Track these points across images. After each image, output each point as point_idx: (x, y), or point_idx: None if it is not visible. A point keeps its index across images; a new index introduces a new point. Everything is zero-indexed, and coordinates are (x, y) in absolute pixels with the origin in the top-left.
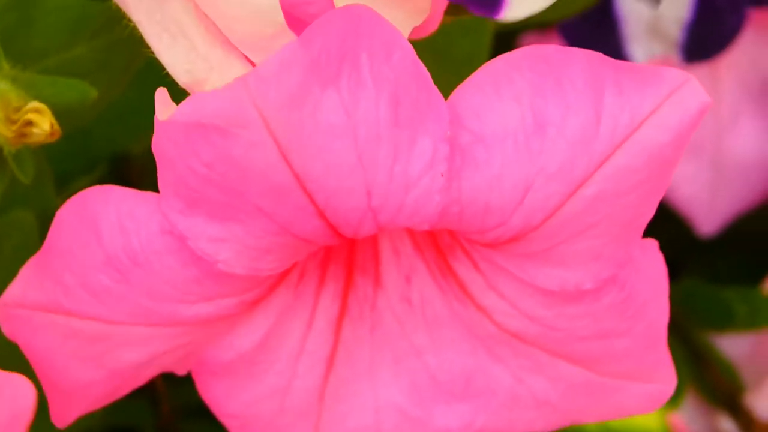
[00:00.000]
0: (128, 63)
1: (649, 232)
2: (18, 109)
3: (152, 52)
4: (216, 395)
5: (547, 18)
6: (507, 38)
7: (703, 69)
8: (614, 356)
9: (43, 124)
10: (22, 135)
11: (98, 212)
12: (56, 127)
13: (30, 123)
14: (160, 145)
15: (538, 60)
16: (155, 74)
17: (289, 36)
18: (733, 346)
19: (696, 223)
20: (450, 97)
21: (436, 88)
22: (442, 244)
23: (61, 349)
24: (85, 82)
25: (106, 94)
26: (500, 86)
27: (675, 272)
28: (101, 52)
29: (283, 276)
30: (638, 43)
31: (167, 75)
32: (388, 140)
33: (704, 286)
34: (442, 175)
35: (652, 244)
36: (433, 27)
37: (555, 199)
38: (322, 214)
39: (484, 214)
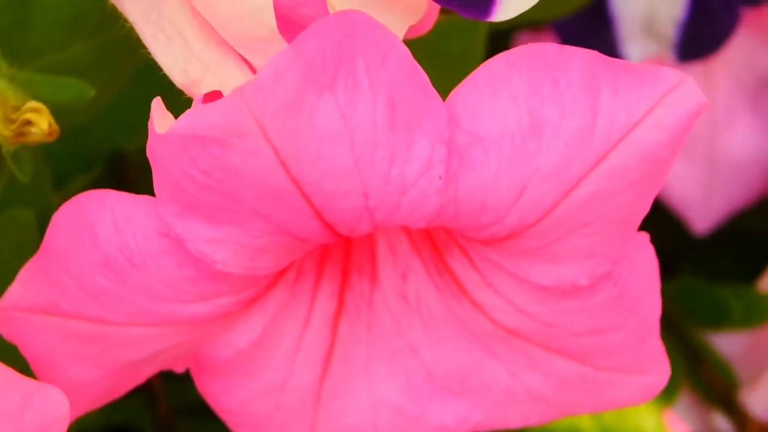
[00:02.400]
0: (126, 62)
1: (643, 231)
2: (16, 109)
3: (149, 53)
4: (214, 392)
5: (541, 17)
6: (501, 37)
7: (697, 68)
8: (609, 350)
9: (42, 123)
10: (21, 134)
11: (94, 215)
12: (54, 126)
13: (28, 122)
14: (155, 152)
15: (535, 59)
16: (153, 73)
17: (281, 41)
18: (728, 344)
19: (691, 222)
20: (448, 98)
21: (433, 90)
22: (438, 242)
23: (60, 350)
24: (82, 81)
25: (104, 93)
26: (497, 86)
27: (670, 270)
28: (98, 51)
29: (280, 274)
30: (633, 43)
31: (165, 75)
32: (385, 143)
33: (699, 283)
34: (439, 177)
35: (644, 237)
36: (429, 26)
37: (550, 198)
38: (319, 215)
39: (480, 213)
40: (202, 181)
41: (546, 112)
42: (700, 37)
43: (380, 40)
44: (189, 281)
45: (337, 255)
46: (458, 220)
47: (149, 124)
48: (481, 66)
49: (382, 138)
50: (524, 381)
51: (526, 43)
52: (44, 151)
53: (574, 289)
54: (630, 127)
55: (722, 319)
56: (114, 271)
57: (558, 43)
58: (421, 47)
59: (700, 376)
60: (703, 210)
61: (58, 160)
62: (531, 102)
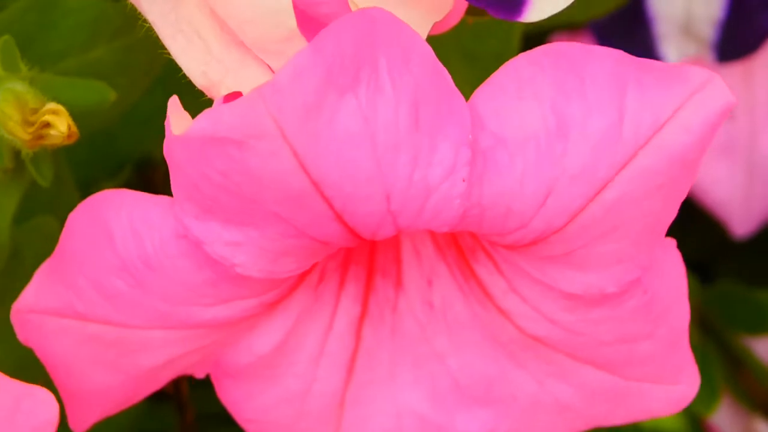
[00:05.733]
0: (149, 65)
1: (683, 234)
2: (35, 111)
3: (169, 54)
4: (234, 399)
5: (578, 18)
6: (537, 38)
7: (736, 68)
8: (638, 360)
9: (60, 125)
10: (40, 137)
11: (110, 216)
12: (74, 128)
13: (47, 125)
14: (172, 153)
15: (559, 58)
16: (182, 76)
17: (301, 40)
18: None
19: (731, 225)
20: (471, 98)
21: (457, 91)
22: (464, 246)
23: (77, 354)
24: (104, 83)
25: (127, 97)
26: (521, 86)
27: (709, 275)
28: (121, 54)
29: (303, 277)
30: (671, 43)
31: (184, 76)
32: (408, 146)
33: (739, 288)
34: (463, 180)
35: (671, 243)
36: (455, 21)
37: (577, 202)
38: (340, 218)
39: (505, 217)
40: (219, 182)
41: (572, 112)
42: (738, 37)
43: (403, 39)
44: (208, 284)
45: (362, 257)
46: (483, 225)
47: (165, 124)
48: (504, 65)
49: (405, 141)
50: (551, 390)
51: None
52: (71, 157)
53: (602, 296)
54: (657, 127)
55: (763, 325)
56: (131, 274)
57: (595, 43)
58: (456, 49)
59: (740, 383)
60: (743, 213)
61: (86, 166)
62: (556, 102)
